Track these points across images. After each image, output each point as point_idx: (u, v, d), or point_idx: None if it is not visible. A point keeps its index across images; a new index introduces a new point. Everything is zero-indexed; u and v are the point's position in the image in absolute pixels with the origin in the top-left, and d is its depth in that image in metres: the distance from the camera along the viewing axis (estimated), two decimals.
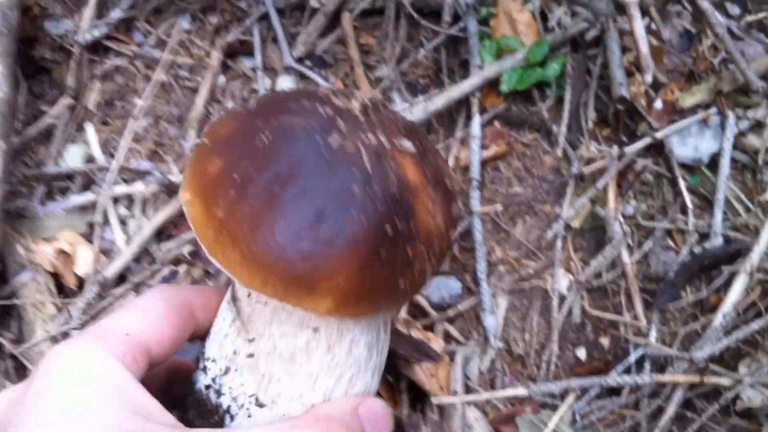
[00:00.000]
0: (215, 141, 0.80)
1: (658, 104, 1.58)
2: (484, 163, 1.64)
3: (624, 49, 1.65)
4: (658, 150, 1.62)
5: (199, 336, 0.92)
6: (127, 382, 0.73)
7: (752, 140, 1.61)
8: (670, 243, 1.57)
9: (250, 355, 0.84)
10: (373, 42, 1.82)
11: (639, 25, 1.30)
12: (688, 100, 1.61)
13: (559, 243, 1.54)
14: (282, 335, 0.83)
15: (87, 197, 1.58)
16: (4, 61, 1.55)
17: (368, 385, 0.88)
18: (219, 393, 0.86)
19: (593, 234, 1.59)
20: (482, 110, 1.67)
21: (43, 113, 1.69)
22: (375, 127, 0.79)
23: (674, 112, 1.61)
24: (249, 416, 0.85)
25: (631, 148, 1.59)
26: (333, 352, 0.83)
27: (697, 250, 1.53)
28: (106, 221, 1.57)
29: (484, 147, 1.65)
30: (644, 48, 1.32)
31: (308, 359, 0.83)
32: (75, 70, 1.70)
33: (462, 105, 1.68)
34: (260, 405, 0.85)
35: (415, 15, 1.77)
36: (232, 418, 0.86)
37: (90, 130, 1.67)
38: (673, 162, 1.59)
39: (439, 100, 1.63)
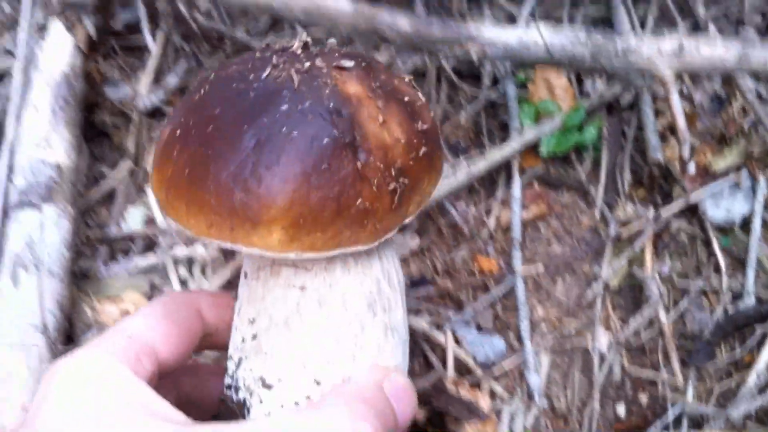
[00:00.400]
0: (171, 114, 0.81)
1: (692, 167, 1.65)
2: (524, 224, 1.72)
3: (657, 113, 1.73)
4: (692, 212, 1.69)
5: (220, 342, 0.91)
6: (130, 381, 0.72)
7: None
8: (705, 302, 1.64)
9: (254, 337, 0.82)
10: None
11: (676, 100, 1.37)
12: (720, 164, 1.69)
13: (598, 302, 1.62)
14: (273, 303, 0.80)
15: (149, 259, 1.66)
16: (71, 130, 1.64)
17: (381, 347, 0.82)
18: (237, 389, 0.84)
19: (630, 293, 1.66)
20: (521, 171, 1.75)
21: (104, 176, 1.78)
22: (313, 57, 0.76)
23: (707, 175, 1.68)
24: (261, 402, 0.81)
25: (666, 211, 1.66)
26: (324, 308, 0.79)
27: (731, 309, 1.60)
28: (167, 282, 1.65)
29: (524, 207, 1.73)
30: (681, 123, 1.39)
31: (302, 321, 0.79)
32: (135, 135, 1.80)
33: (502, 167, 1.76)
34: (268, 386, 0.81)
35: (455, 79, 1.85)
36: (248, 410, 0.83)
37: (150, 192, 1.76)
38: (706, 223, 1.67)
39: (482, 163, 1.71)
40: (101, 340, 0.77)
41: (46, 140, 1.60)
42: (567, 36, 1.40)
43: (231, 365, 0.85)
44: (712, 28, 1.68)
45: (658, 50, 1.36)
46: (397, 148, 0.73)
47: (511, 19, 1.90)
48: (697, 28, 1.84)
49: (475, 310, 1.61)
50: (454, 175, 1.70)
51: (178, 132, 0.75)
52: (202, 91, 0.77)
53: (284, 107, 0.70)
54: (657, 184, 1.70)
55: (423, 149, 0.76)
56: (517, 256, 1.65)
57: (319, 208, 0.69)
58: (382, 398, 0.77)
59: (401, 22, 1.44)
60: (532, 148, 1.76)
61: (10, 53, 1.81)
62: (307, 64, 0.75)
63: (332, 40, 0.84)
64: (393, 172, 0.73)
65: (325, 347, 0.79)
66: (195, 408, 0.86)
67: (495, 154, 1.72)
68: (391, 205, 0.73)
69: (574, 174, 1.76)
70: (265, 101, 0.72)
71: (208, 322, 0.88)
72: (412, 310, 1.65)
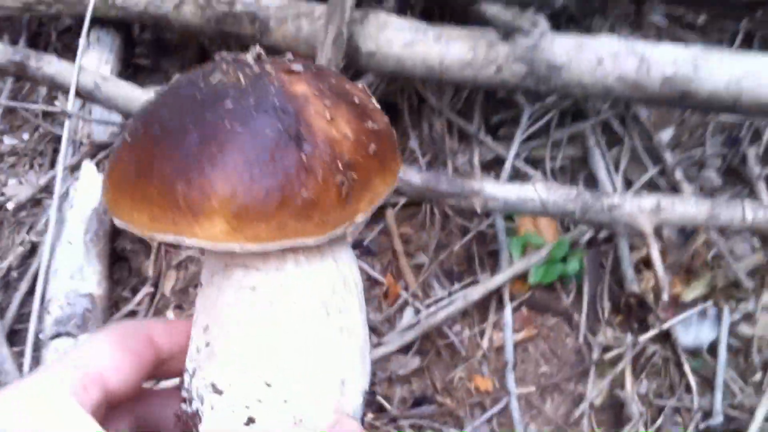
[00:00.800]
0: (126, 125, 0.82)
1: (664, 298, 1.86)
2: (515, 345, 1.89)
3: (632, 247, 1.94)
4: (665, 337, 1.89)
5: (177, 369, 0.88)
6: (74, 412, 0.71)
7: (745, 329, 1.89)
8: (679, 419, 1.82)
9: (207, 344, 0.81)
10: (411, 231, 2.09)
11: (655, 250, 1.57)
12: (689, 294, 1.89)
13: (585, 421, 1.78)
14: (225, 306, 0.78)
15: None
16: (101, 262, 1.78)
17: (335, 349, 0.80)
18: (191, 400, 0.82)
19: (613, 410, 1.84)
20: (511, 297, 1.93)
21: (125, 299, 1.91)
22: (263, 63, 0.78)
23: (677, 305, 1.88)
24: (212, 408, 0.79)
25: (643, 337, 1.85)
26: (275, 307, 0.77)
27: (702, 426, 1.78)
28: None
29: (514, 331, 1.90)
30: (661, 272, 1.59)
31: (253, 323, 0.77)
32: (153, 262, 1.93)
33: (493, 293, 1.94)
34: (218, 392, 0.79)
35: (449, 211, 2.05)
36: (200, 419, 0.81)
37: (169, 315, 1.89)
38: (678, 348, 1.86)
39: (476, 292, 1.88)
40: (47, 369, 0.75)
41: (80, 271, 1.73)
42: (560, 194, 1.60)
43: (186, 377, 0.83)
44: (688, 188, 1.92)
45: (639, 207, 1.57)
46: (344, 144, 0.73)
47: (499, 160, 2.11)
48: (663, 172, 2.08)
49: (473, 427, 1.76)
50: (450, 301, 1.88)
51: (129, 137, 0.76)
52: (155, 100, 0.78)
53: (229, 105, 0.71)
54: (633, 311, 1.89)
55: (373, 146, 0.75)
56: (511, 378, 1.82)
57: (262, 198, 0.69)
58: None
59: (412, 175, 1.63)
60: (520, 277, 1.95)
61: (46, 188, 1.95)
62: (257, 69, 0.76)
63: (289, 54, 0.84)
64: (340, 166, 0.72)
65: (276, 348, 0.77)
66: None
67: (488, 284, 1.90)
68: (338, 199, 0.72)
69: (559, 301, 1.95)
70: (212, 101, 0.73)
71: (161, 349, 0.85)
72: (416, 427, 1.79)
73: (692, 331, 1.87)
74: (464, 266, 2.03)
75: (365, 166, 0.74)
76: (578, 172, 2.13)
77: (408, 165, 1.80)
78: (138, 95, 1.78)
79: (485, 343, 1.90)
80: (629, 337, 1.86)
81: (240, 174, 0.69)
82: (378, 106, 0.83)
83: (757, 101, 1.67)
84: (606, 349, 1.86)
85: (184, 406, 0.82)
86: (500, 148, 2.13)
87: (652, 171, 2.06)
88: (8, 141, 2.19)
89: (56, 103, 2.14)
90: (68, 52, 2.19)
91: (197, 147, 0.70)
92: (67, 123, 1.75)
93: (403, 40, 1.79)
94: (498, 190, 1.59)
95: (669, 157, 2.03)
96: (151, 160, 0.72)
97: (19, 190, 2.09)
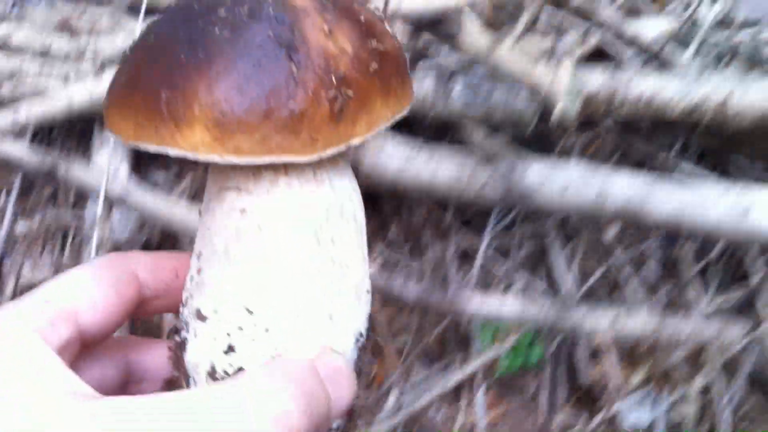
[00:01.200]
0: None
1: (613, 385, 2.17)
2: (486, 426, 2.18)
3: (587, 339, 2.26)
4: (613, 418, 2.21)
5: (163, 306, 0.85)
6: (34, 347, 0.66)
7: (680, 411, 2.22)
8: None
9: (199, 271, 0.78)
10: (391, 314, 2.35)
11: (612, 359, 1.88)
12: (633, 379, 2.21)
13: None
14: (216, 231, 0.76)
15: None
16: None
17: (323, 280, 0.75)
18: (179, 330, 0.80)
19: None
20: (482, 380, 2.22)
21: None
22: None
23: (625, 389, 2.20)
24: (195, 336, 0.77)
25: (595, 419, 2.17)
26: (263, 232, 0.74)
27: None
28: None
29: (486, 410, 2.19)
30: (611, 365, 1.89)
31: (240, 247, 0.74)
32: None
33: (467, 379, 2.23)
34: (202, 318, 0.76)
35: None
36: (184, 347, 0.79)
37: None
38: (624, 428, 2.18)
39: (452, 378, 2.17)
40: (15, 303, 0.71)
41: None
42: (535, 307, 1.89)
43: (181, 308, 0.81)
44: (633, 281, 2.24)
45: (597, 321, 1.87)
46: (342, 59, 0.69)
47: (473, 249, 2.40)
48: (610, 270, 2.40)
49: None
50: (429, 388, 2.16)
51: (128, 51, 0.75)
52: (160, 16, 0.77)
53: (222, 13, 0.69)
54: (588, 396, 2.20)
55: (374, 65, 0.71)
56: None
57: (246, 107, 0.65)
58: (314, 379, 0.69)
59: (409, 288, 1.89)
60: (490, 363, 2.24)
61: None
62: None
63: None
64: (334, 80, 0.68)
65: (260, 274, 0.74)
66: (149, 384, 0.84)
67: (462, 371, 2.18)
68: (330, 115, 0.67)
69: (525, 383, 2.25)
70: (206, 10, 0.70)
71: (146, 285, 0.81)
72: None
73: (634, 413, 2.19)
74: (441, 350, 2.31)
75: (363, 84, 0.70)
76: (540, 263, 2.43)
77: (394, 271, 2.07)
78: (163, 205, 2.00)
79: (459, 422, 2.18)
80: (584, 418, 2.16)
81: (224, 81, 0.66)
82: (389, 29, 0.78)
83: (695, 227, 1.97)
84: (565, 428, 2.17)
85: (176, 336, 0.80)
86: (473, 239, 2.41)
87: (602, 267, 2.38)
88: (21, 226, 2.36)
89: (84, 209, 2.32)
90: (83, 138, 2.38)
91: (185, 54, 0.67)
92: (96, 231, 1.95)
93: (398, 161, 2.05)
94: (481, 306, 1.87)
95: (617, 252, 2.35)
96: (140, 69, 0.70)
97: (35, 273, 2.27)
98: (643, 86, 1.79)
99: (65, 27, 2.31)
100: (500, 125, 2.07)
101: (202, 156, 0.66)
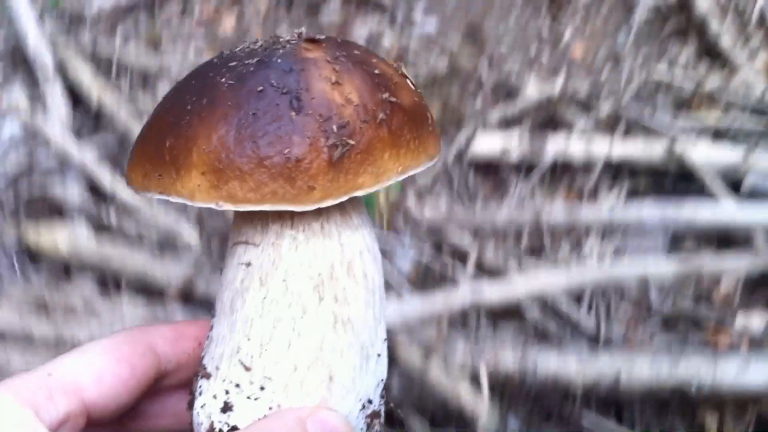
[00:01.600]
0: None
1: None
2: None
3: None
4: None
5: (186, 379, 0.81)
6: (22, 423, 0.65)
7: None
8: None
9: (211, 327, 0.77)
10: None
11: None
12: None
13: None
14: (225, 286, 0.75)
15: None
16: None
17: (325, 338, 0.71)
18: (192, 389, 0.78)
19: None
20: None
21: None
22: (295, 38, 0.74)
23: None
24: (199, 393, 0.75)
25: None
26: (266, 286, 0.71)
27: None
28: None
29: None
30: None
31: (243, 302, 0.72)
32: None
33: None
34: (206, 375, 0.74)
35: None
36: (192, 405, 0.77)
37: None
38: None
39: None
40: (20, 375, 0.70)
41: None
42: None
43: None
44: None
45: None
46: (346, 109, 0.66)
47: None
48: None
49: None
50: None
51: (153, 111, 0.75)
52: (180, 79, 0.77)
53: (233, 64, 0.68)
54: None
55: (381, 116, 0.68)
56: None
57: (240, 152, 0.64)
58: None
59: None
60: None
61: None
62: (281, 38, 0.72)
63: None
64: (335, 128, 0.65)
65: (258, 329, 0.71)
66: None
67: None
68: (328, 163, 0.64)
69: None
70: (222, 63, 0.70)
71: (167, 357, 0.78)
72: None
73: None
74: None
75: (368, 134, 0.67)
76: None
77: None
78: None
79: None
80: None
81: (223, 127, 0.65)
82: (412, 85, 0.75)
83: None
84: None
85: (189, 395, 0.79)
86: None
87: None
88: None
89: None
90: None
91: (191, 104, 0.67)
92: None
93: None
94: None
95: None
96: (155, 120, 0.71)
97: None
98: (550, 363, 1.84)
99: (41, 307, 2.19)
100: None
101: (200, 202, 0.65)
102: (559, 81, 2.48)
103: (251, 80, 0.66)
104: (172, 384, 0.81)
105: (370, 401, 0.74)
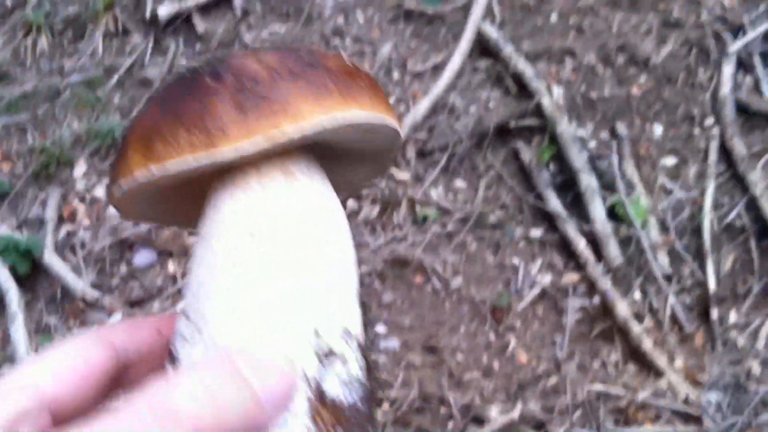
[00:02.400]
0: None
1: None
2: None
3: None
4: None
5: (147, 370, 0.78)
6: None
7: None
8: None
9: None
10: None
11: None
12: None
13: None
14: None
15: None
16: None
17: (259, 286, 0.68)
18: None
19: None
20: None
21: None
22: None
23: None
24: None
25: None
26: (210, 247, 0.71)
27: None
28: None
29: None
30: None
31: (193, 253, 0.74)
32: None
33: None
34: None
35: None
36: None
37: None
38: None
39: None
40: None
41: None
42: None
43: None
44: None
45: None
46: (263, 72, 0.69)
47: None
48: None
49: None
50: None
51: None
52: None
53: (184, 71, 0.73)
54: None
55: (299, 72, 0.69)
56: None
57: (161, 118, 0.68)
58: (221, 373, 0.61)
59: None
60: None
61: None
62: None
63: None
64: (247, 84, 0.68)
65: (200, 279, 0.71)
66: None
67: None
68: (239, 111, 0.66)
69: None
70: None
71: (125, 348, 0.76)
72: None
73: None
74: None
75: (282, 85, 0.68)
76: None
77: None
78: None
79: None
80: None
81: (152, 109, 0.71)
82: (358, 68, 0.76)
83: None
84: None
85: None
86: None
87: None
88: None
89: None
90: None
91: (140, 111, 0.74)
92: None
93: None
94: None
95: None
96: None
97: None
98: None
99: None
100: None
101: (138, 175, 0.69)
102: (518, 406, 2.86)
103: (188, 74, 0.72)
104: (140, 373, 0.78)
105: (317, 334, 0.68)
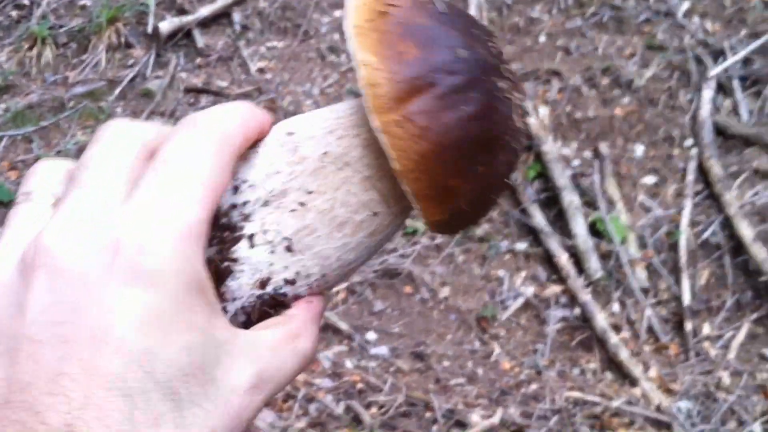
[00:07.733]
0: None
1: None
2: None
3: None
4: None
5: None
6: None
7: None
8: None
9: (302, 204, 0.78)
10: None
11: None
12: None
13: None
14: (343, 204, 0.77)
15: None
16: None
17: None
18: (246, 218, 0.78)
19: None
20: None
21: None
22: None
23: None
24: (272, 252, 0.77)
25: None
26: (373, 238, 0.78)
27: None
28: None
29: None
30: None
31: (352, 234, 0.78)
32: None
33: None
34: (290, 250, 0.77)
35: None
36: (251, 245, 0.77)
37: None
38: None
39: None
40: None
41: None
42: None
43: (249, 193, 0.80)
44: None
45: None
46: (456, 64, 0.65)
47: None
48: None
49: None
50: None
51: None
52: None
53: None
54: None
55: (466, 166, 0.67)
56: None
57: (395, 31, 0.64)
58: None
59: None
60: None
61: None
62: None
63: None
64: (442, 85, 0.64)
65: (348, 259, 0.78)
66: None
67: None
68: (395, 100, 0.65)
69: None
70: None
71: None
72: None
73: None
74: None
75: (431, 136, 0.63)
76: None
77: None
78: None
79: None
80: None
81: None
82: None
83: None
84: None
85: (229, 209, 0.79)
86: None
87: None
88: None
89: None
90: None
91: None
92: None
93: None
94: None
95: None
96: None
97: None
98: None
99: None
100: None
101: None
102: (499, 411, 3.02)
103: None
104: None
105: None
